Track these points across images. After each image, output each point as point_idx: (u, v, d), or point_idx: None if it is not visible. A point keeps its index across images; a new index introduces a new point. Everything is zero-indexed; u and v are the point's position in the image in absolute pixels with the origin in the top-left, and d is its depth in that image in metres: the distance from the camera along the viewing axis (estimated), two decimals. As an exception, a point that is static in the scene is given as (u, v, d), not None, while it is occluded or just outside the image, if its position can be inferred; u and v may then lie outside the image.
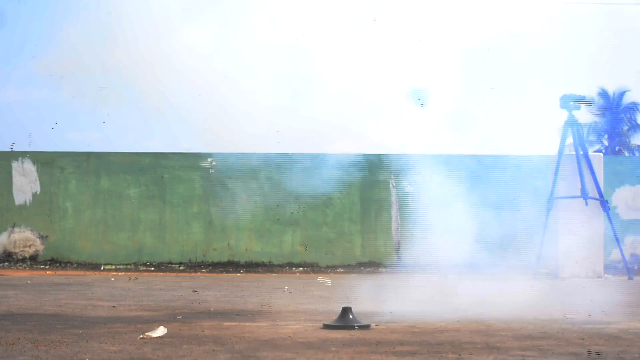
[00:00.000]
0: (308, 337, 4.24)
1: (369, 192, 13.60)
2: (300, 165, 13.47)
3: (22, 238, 13.38)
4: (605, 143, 41.98)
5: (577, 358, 3.57)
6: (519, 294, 7.29)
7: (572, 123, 11.41)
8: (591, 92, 39.34)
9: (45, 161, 13.55)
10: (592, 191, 11.27)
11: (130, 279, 9.95)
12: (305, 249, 10.48)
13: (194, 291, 7.44)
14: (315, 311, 5.84)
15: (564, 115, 11.45)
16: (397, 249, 13.50)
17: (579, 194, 11.25)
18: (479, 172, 13.51)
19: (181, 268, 13.23)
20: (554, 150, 11.79)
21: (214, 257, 13.45)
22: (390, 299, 6.62)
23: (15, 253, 13.36)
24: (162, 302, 6.55)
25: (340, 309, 4.97)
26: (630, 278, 11.04)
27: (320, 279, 8.06)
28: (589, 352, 4.07)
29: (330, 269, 13.30)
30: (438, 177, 13.57)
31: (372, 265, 13.44)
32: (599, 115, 40.88)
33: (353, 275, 12.37)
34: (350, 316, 4.79)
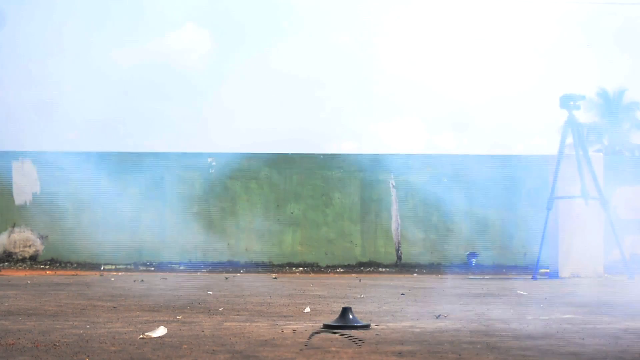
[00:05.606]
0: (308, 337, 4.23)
1: (369, 192, 13.60)
2: (300, 165, 13.46)
3: (22, 238, 13.39)
4: (605, 143, 41.95)
5: (577, 358, 3.57)
6: None
7: (572, 123, 11.40)
8: (591, 92, 39.36)
9: (45, 161, 13.55)
10: (592, 191, 11.26)
11: (135, 280, 9.95)
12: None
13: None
14: (315, 311, 5.84)
15: (564, 115, 11.46)
16: (397, 249, 13.50)
17: (579, 194, 11.25)
18: (479, 172, 13.52)
19: (181, 268, 13.23)
20: (554, 150, 11.80)
21: (214, 257, 13.45)
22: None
23: (15, 253, 13.36)
24: (162, 302, 6.55)
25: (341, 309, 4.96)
26: (630, 278, 11.04)
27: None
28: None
29: (330, 269, 13.30)
30: (438, 177, 13.58)
31: (372, 265, 13.44)
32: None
33: (353, 275, 12.37)
34: (350, 316, 4.78)
